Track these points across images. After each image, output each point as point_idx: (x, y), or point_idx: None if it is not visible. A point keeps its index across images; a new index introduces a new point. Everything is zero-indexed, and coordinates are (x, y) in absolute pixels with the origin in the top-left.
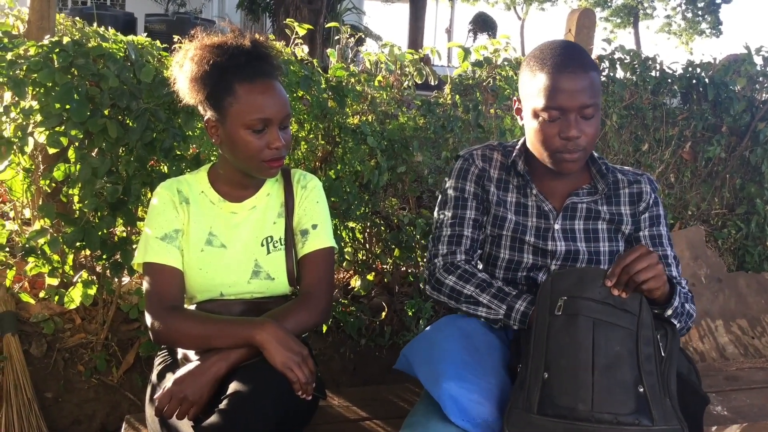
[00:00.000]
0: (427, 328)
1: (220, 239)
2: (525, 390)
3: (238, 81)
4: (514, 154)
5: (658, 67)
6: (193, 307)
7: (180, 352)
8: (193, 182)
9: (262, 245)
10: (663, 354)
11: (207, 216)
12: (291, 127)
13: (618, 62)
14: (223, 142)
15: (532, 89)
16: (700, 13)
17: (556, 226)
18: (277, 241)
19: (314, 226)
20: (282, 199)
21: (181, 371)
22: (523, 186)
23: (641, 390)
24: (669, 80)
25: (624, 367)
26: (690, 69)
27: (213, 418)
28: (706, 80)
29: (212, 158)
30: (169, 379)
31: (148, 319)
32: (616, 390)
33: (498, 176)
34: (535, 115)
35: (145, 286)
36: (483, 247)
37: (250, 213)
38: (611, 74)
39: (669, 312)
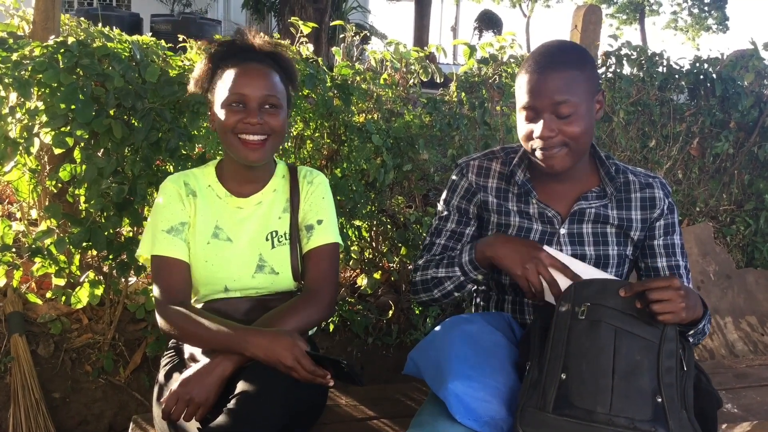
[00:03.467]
0: (435, 328)
1: (226, 233)
2: (539, 389)
3: (224, 65)
4: (514, 162)
5: (665, 63)
6: (201, 304)
7: (187, 352)
8: (200, 176)
9: (267, 240)
10: (685, 368)
11: (213, 209)
12: (297, 126)
13: (625, 58)
14: (213, 126)
15: (516, 89)
16: (706, 8)
17: (562, 231)
18: (281, 236)
19: (319, 222)
20: (288, 194)
21: (187, 372)
22: (524, 194)
23: (659, 400)
24: (676, 76)
25: (644, 376)
26: (697, 65)
27: (221, 418)
28: (714, 76)
29: (218, 157)
30: (176, 380)
31: (156, 311)
32: (635, 396)
33: (497, 186)
34: (520, 114)
35: (153, 278)
36: None
37: (256, 208)
38: (618, 71)
39: (692, 331)
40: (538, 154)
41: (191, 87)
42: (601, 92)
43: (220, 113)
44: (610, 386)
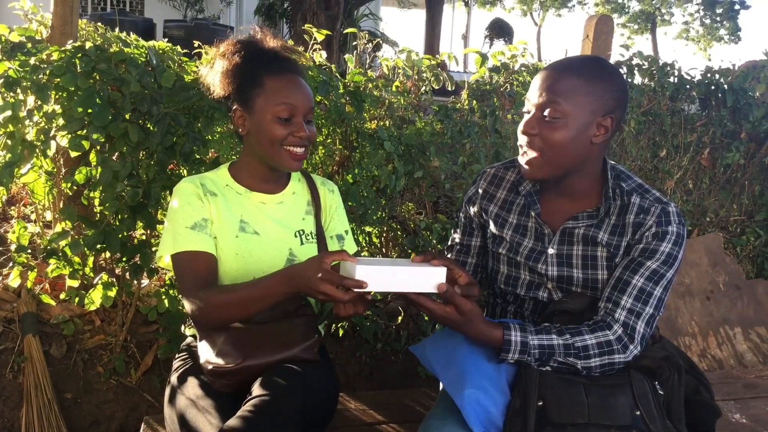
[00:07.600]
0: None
1: (252, 226)
2: (521, 416)
3: (266, 74)
4: None
5: (676, 73)
6: None
7: (202, 357)
8: (215, 178)
9: (296, 236)
10: (661, 392)
11: (236, 205)
12: None
13: (636, 68)
14: (250, 132)
15: None
16: (718, 19)
17: (551, 251)
18: (308, 235)
19: (346, 232)
20: (308, 197)
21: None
22: (527, 207)
23: (638, 413)
24: (687, 86)
25: (619, 397)
26: (708, 75)
27: (236, 421)
28: (725, 86)
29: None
30: (193, 382)
31: (188, 305)
32: (612, 410)
33: (505, 197)
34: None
35: (178, 274)
36: (486, 262)
37: (278, 207)
38: (629, 80)
39: (511, 356)
40: (519, 152)
41: (214, 83)
42: (611, 119)
43: (268, 124)
44: (587, 403)
